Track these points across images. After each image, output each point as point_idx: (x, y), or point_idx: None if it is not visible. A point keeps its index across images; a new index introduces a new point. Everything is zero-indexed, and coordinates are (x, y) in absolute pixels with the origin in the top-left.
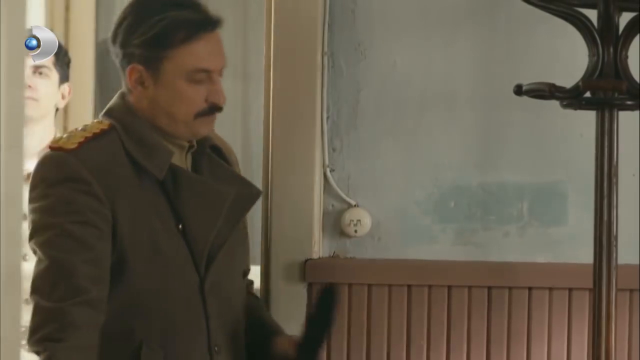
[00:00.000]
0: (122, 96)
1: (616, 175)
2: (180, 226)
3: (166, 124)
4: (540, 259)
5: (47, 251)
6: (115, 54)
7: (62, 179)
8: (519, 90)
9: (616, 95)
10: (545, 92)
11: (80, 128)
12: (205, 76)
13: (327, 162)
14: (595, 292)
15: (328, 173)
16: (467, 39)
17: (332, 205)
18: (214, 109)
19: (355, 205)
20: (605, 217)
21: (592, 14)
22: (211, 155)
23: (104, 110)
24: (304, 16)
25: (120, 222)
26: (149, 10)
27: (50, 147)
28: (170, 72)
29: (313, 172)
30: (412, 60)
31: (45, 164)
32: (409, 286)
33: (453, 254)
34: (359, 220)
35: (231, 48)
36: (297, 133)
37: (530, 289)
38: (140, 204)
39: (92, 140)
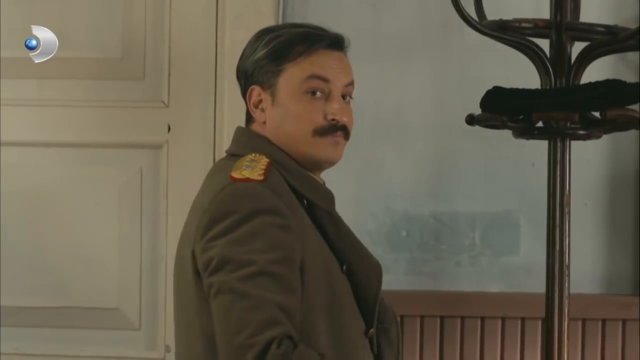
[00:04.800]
0: (245, 130)
1: (568, 205)
2: (344, 267)
3: (288, 147)
4: (493, 288)
5: (246, 288)
6: (240, 83)
7: (258, 211)
8: (471, 120)
9: (568, 124)
10: (497, 121)
11: (245, 161)
12: (324, 88)
13: None
14: (548, 322)
15: None
16: (420, 69)
17: None
18: (335, 127)
19: None
20: (557, 247)
21: (544, 44)
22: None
23: (235, 146)
24: None
25: (307, 260)
26: (269, 31)
27: (235, 178)
28: (285, 86)
29: None
30: (364, 89)
31: (237, 195)
32: None
33: (405, 283)
34: None
35: None
36: None
37: (482, 318)
38: (317, 241)
39: (270, 173)
